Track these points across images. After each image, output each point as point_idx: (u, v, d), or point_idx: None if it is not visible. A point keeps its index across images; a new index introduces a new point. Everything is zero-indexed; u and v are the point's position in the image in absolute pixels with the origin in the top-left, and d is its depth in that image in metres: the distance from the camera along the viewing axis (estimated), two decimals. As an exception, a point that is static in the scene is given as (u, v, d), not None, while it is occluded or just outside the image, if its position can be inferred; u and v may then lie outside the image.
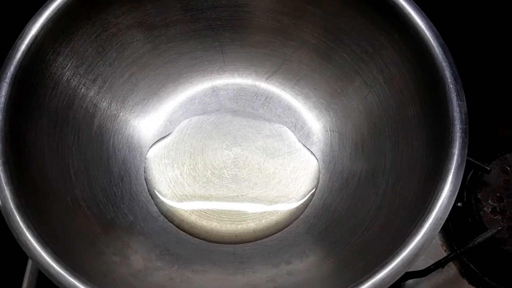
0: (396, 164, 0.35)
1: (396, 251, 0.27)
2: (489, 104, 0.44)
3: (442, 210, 0.28)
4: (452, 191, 0.28)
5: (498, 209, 0.39)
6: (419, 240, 0.27)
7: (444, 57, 0.32)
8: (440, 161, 0.30)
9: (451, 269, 0.40)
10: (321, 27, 0.40)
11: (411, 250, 0.27)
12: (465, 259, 0.40)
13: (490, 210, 0.39)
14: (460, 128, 0.30)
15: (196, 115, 0.42)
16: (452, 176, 0.29)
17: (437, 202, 0.28)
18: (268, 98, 0.44)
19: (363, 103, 0.39)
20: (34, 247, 0.28)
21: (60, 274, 0.27)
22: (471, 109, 0.32)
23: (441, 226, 0.28)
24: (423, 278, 0.36)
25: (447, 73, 0.32)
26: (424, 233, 0.27)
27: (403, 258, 0.27)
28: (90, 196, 0.35)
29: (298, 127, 0.42)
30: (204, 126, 0.42)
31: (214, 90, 0.44)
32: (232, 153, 0.41)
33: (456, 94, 0.31)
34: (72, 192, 0.34)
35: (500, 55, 0.44)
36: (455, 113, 0.31)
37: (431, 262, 0.36)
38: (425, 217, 0.28)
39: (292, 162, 0.40)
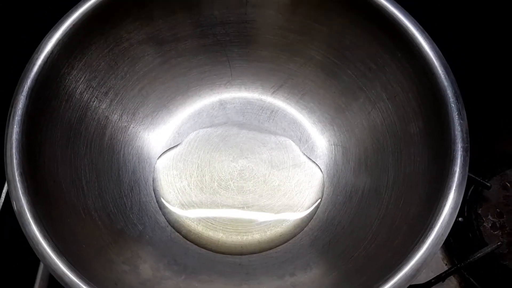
0: (398, 180, 0.36)
1: (398, 266, 0.28)
2: (489, 120, 0.45)
3: (444, 226, 0.29)
4: (453, 208, 0.29)
5: (498, 225, 0.40)
6: (421, 256, 0.28)
7: (446, 76, 0.33)
8: (442, 178, 0.31)
9: (452, 282, 0.41)
10: (326, 44, 0.41)
11: (413, 265, 0.28)
12: (465, 273, 0.40)
13: (490, 225, 0.40)
14: (461, 147, 0.31)
15: (203, 127, 0.43)
16: (454, 193, 0.30)
17: (439, 218, 0.29)
18: (273, 112, 0.44)
19: (366, 118, 0.40)
20: (50, 256, 0.28)
21: (75, 282, 0.28)
22: (471, 125, 0.32)
23: (443, 241, 0.29)
24: (423, 291, 0.37)
25: (449, 93, 0.33)
26: (426, 249, 0.28)
27: (406, 273, 0.28)
28: (101, 206, 0.36)
29: (303, 140, 0.43)
30: (211, 138, 0.43)
31: (222, 104, 0.45)
32: (239, 165, 0.42)
33: (457, 114, 0.32)
34: (84, 202, 0.35)
35: (501, 70, 0.45)
36: (456, 132, 0.32)
37: (432, 275, 0.37)
38: (427, 233, 0.29)
39: (297, 175, 0.41)
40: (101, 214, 0.36)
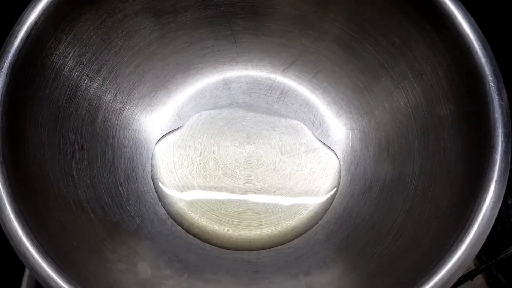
0: (426, 168, 0.33)
1: (433, 268, 0.25)
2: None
3: (485, 224, 0.26)
4: (495, 202, 0.26)
5: (531, 217, 0.37)
6: (459, 258, 0.25)
7: (484, 52, 0.30)
8: (480, 168, 0.28)
9: (478, 279, 0.38)
10: (344, 16, 0.37)
11: (450, 268, 0.25)
12: (493, 269, 0.38)
13: (522, 217, 0.37)
14: (502, 132, 0.28)
15: (206, 109, 0.40)
16: (495, 185, 0.27)
17: (479, 214, 0.26)
18: (283, 92, 0.41)
19: (388, 99, 0.37)
20: (34, 258, 0.26)
21: (62, 287, 0.25)
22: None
23: (484, 241, 0.26)
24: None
25: (487, 70, 0.30)
26: (465, 250, 0.25)
27: (442, 277, 0.25)
28: (93, 197, 0.34)
29: (316, 124, 0.40)
30: (215, 121, 0.40)
31: (226, 83, 0.42)
32: (245, 151, 0.39)
33: (497, 94, 0.29)
34: (74, 192, 0.32)
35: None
36: (496, 115, 0.29)
37: (458, 272, 0.34)
38: (466, 231, 0.26)
39: (310, 162, 0.38)
40: (94, 206, 0.33)
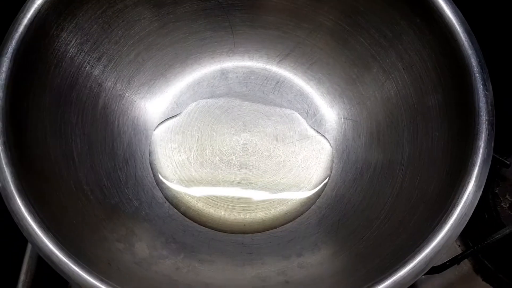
0: (415, 156, 0.34)
1: (417, 248, 0.26)
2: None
3: (467, 206, 0.27)
4: (478, 186, 0.27)
5: (516, 205, 0.38)
6: (442, 237, 0.26)
7: (470, 44, 0.31)
8: (465, 154, 0.29)
9: (465, 265, 0.39)
10: (338, 9, 0.38)
11: (434, 247, 0.26)
12: (479, 255, 0.39)
13: (508, 205, 0.38)
14: (486, 120, 0.29)
15: (204, 98, 0.41)
16: (478, 170, 0.28)
17: (462, 196, 0.27)
18: (279, 83, 0.42)
19: (379, 90, 0.38)
20: (36, 233, 0.26)
21: (63, 262, 0.26)
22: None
23: (466, 222, 0.27)
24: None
25: (473, 61, 0.30)
26: (448, 230, 0.26)
27: (426, 255, 0.25)
28: (93, 180, 0.34)
29: (310, 113, 0.41)
30: (212, 110, 0.40)
31: (223, 73, 0.42)
32: (241, 139, 0.39)
33: (482, 84, 0.30)
34: (75, 175, 0.33)
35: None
36: (481, 104, 0.29)
37: (445, 258, 0.35)
38: (449, 213, 0.27)
39: (303, 150, 0.39)
40: (94, 188, 0.34)
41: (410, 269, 0.25)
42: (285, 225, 0.36)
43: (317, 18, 0.39)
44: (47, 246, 0.26)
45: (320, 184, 0.38)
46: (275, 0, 0.39)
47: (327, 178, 0.38)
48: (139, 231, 0.34)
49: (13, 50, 0.30)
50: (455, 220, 0.26)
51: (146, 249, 0.33)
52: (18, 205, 0.27)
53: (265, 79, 0.42)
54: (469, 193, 0.27)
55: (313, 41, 0.40)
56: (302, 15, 0.39)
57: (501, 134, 0.38)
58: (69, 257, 0.26)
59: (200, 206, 0.37)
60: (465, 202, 0.27)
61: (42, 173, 0.30)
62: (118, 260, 0.30)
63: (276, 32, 0.41)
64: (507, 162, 0.37)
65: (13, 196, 0.27)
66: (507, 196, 0.38)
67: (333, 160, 0.39)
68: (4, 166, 0.27)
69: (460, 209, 0.27)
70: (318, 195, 0.38)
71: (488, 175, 0.39)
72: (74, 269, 0.26)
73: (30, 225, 0.26)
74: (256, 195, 0.37)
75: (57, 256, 0.26)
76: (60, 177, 0.32)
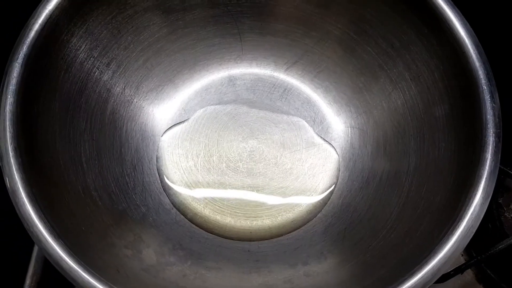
0: (421, 166, 0.34)
1: (424, 259, 0.26)
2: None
3: (474, 218, 0.27)
4: (484, 198, 0.27)
5: (520, 216, 0.38)
6: (449, 249, 0.26)
7: (478, 56, 0.31)
8: (471, 166, 0.29)
9: (468, 274, 0.39)
10: (346, 18, 0.38)
11: (440, 259, 0.26)
12: (482, 264, 0.39)
13: (511, 216, 0.38)
14: (493, 132, 0.29)
15: (211, 104, 0.41)
16: (485, 182, 0.28)
17: (468, 208, 0.27)
18: (286, 90, 0.42)
19: (386, 100, 0.38)
20: (46, 239, 0.26)
21: (74, 269, 0.26)
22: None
23: (472, 234, 0.27)
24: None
25: (481, 74, 0.31)
26: (455, 242, 0.26)
27: (433, 266, 0.26)
28: (102, 186, 0.34)
29: (317, 121, 0.41)
30: (219, 116, 0.40)
31: (231, 80, 0.42)
32: (248, 146, 0.39)
33: (490, 96, 0.30)
34: (83, 180, 0.33)
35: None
36: (488, 116, 0.30)
37: (448, 267, 0.35)
38: (456, 224, 0.27)
39: (310, 158, 0.39)
40: (102, 194, 0.34)
41: (417, 280, 0.25)
42: (291, 233, 0.37)
43: (325, 26, 0.39)
44: (57, 252, 0.26)
45: (326, 192, 0.38)
46: (284, 8, 0.39)
47: (333, 185, 0.38)
48: (146, 237, 0.34)
49: (24, 55, 0.30)
50: (461, 232, 0.27)
51: (153, 255, 0.33)
52: (28, 211, 0.27)
53: (272, 87, 0.42)
54: (476, 205, 0.27)
55: (321, 50, 0.41)
56: (310, 24, 0.40)
57: (505, 144, 0.38)
58: (79, 264, 0.26)
59: (207, 212, 0.37)
60: (471, 214, 0.27)
61: (51, 178, 0.31)
62: (126, 267, 0.30)
63: (285, 40, 0.41)
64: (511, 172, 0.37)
65: (24, 202, 0.27)
66: (511, 206, 0.38)
67: (339, 168, 0.39)
68: (15, 172, 0.27)
69: (467, 221, 0.27)
70: (324, 203, 0.38)
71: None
72: (84, 276, 0.26)
73: (41, 232, 0.26)
74: (263, 202, 0.38)
75: (67, 263, 0.26)
76: (69, 183, 0.32)
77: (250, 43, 0.42)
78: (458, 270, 0.35)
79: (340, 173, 0.39)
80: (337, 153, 0.40)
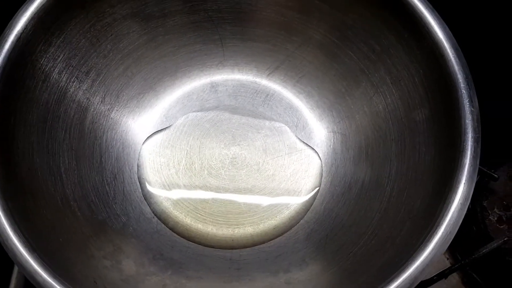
0: (401, 170, 0.34)
1: (403, 265, 0.26)
2: (497, 108, 0.42)
3: (453, 224, 0.27)
4: (463, 203, 0.27)
5: (504, 218, 0.38)
6: (427, 255, 0.26)
7: (457, 60, 0.31)
8: (450, 171, 0.29)
9: (454, 278, 0.39)
10: (327, 23, 0.38)
11: (419, 265, 0.26)
12: (467, 268, 0.39)
13: (496, 219, 0.38)
14: (472, 137, 0.29)
15: (193, 111, 0.41)
16: (463, 187, 0.28)
17: (447, 214, 0.27)
18: (269, 96, 0.42)
19: (368, 104, 0.38)
20: (21, 253, 0.26)
21: (48, 282, 0.26)
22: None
23: (451, 239, 0.27)
24: None
25: (460, 77, 0.30)
26: (433, 249, 0.26)
27: (411, 273, 0.25)
28: (81, 196, 0.34)
29: (300, 127, 0.41)
30: (201, 123, 0.40)
31: (213, 86, 0.42)
32: (231, 153, 0.39)
33: (469, 100, 0.30)
34: (62, 191, 0.33)
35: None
36: (467, 121, 0.29)
37: (433, 271, 0.35)
38: (434, 231, 0.27)
39: (292, 164, 0.39)
40: (81, 204, 0.34)
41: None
42: (273, 240, 0.36)
43: (306, 31, 0.39)
44: (31, 266, 0.26)
45: (309, 197, 0.38)
46: (264, 13, 0.39)
47: (316, 191, 0.38)
48: (126, 247, 0.34)
49: (0, 67, 0.30)
50: (439, 238, 0.26)
51: (133, 266, 0.33)
52: (3, 225, 0.27)
53: (255, 92, 0.42)
54: (454, 211, 0.27)
55: (302, 55, 0.40)
56: (291, 29, 0.39)
57: (489, 147, 0.38)
58: (54, 277, 0.26)
59: (188, 221, 0.37)
60: (449, 220, 0.27)
61: (28, 190, 0.30)
62: (104, 278, 0.30)
63: (266, 45, 0.41)
64: (495, 175, 0.37)
65: (-2, 216, 0.27)
66: (495, 209, 0.38)
67: (322, 174, 0.39)
68: (-10, 185, 0.27)
69: (445, 228, 0.27)
70: (307, 209, 0.38)
71: (476, 188, 0.39)
72: (58, 289, 0.25)
73: (15, 245, 0.26)
74: (245, 209, 0.37)
75: (41, 276, 0.26)
76: (47, 194, 0.32)
77: (231, 49, 0.41)
78: (442, 275, 0.35)
79: (322, 179, 0.39)
80: (319, 158, 0.39)
